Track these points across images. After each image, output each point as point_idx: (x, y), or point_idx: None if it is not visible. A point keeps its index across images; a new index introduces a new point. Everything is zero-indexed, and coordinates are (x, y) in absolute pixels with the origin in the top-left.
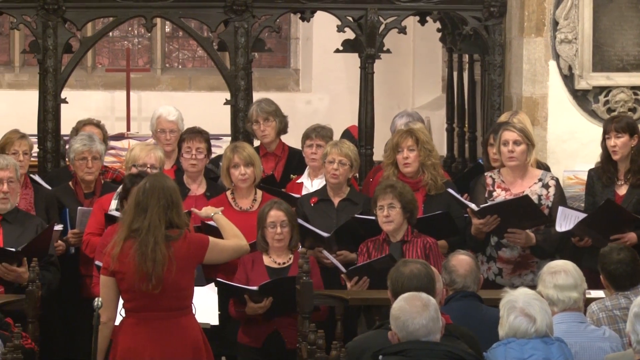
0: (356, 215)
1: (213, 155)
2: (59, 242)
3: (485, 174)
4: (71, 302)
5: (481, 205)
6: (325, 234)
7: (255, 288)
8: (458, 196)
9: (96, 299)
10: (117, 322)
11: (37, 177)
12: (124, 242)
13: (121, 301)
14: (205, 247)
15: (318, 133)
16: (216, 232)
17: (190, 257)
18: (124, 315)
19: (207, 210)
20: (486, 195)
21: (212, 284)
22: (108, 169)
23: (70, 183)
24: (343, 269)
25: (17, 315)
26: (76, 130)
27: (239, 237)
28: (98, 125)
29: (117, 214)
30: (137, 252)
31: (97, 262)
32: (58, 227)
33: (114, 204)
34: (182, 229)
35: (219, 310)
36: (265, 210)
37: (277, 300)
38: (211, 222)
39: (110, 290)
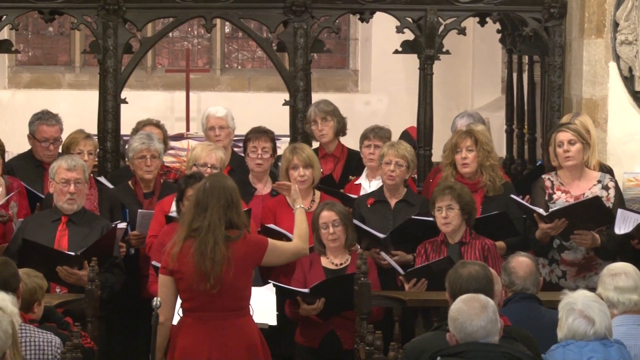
0: (413, 217)
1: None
2: (121, 243)
3: (543, 176)
4: (131, 302)
5: (550, 210)
6: (381, 235)
7: (306, 290)
8: (523, 201)
9: (155, 299)
10: (174, 322)
11: (102, 179)
12: (183, 242)
13: (179, 301)
14: (263, 249)
15: (376, 134)
16: (275, 236)
17: (248, 258)
18: (181, 315)
19: (296, 199)
20: (546, 198)
21: (271, 285)
22: (170, 169)
23: (129, 182)
24: (401, 271)
25: (77, 314)
26: (136, 131)
27: (302, 239)
28: (158, 125)
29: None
30: (196, 252)
31: (153, 262)
32: (122, 225)
33: (174, 205)
34: (241, 230)
35: (277, 311)
36: (317, 212)
37: (331, 301)
38: (271, 225)
39: (168, 290)
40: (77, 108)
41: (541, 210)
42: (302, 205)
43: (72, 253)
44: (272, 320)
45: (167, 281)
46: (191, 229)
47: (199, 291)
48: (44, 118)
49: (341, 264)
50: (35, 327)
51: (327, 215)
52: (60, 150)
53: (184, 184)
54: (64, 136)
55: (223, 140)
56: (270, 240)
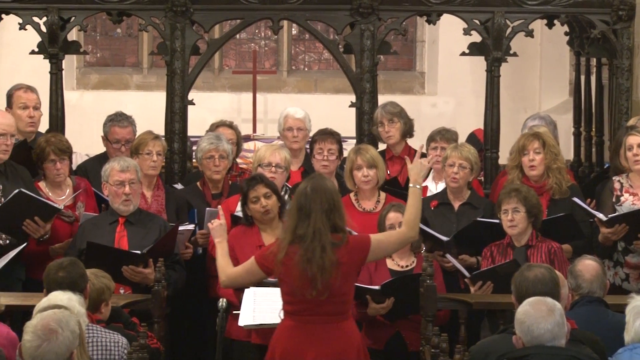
0: (479, 219)
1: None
2: (187, 244)
3: (613, 178)
4: (198, 302)
5: (609, 215)
6: (444, 238)
7: (377, 287)
8: (585, 205)
9: (220, 300)
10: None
11: (178, 186)
12: (288, 247)
13: (281, 302)
14: (367, 249)
15: (443, 136)
16: None
17: (352, 261)
18: (282, 317)
19: (418, 174)
20: (613, 200)
21: None
22: (245, 170)
23: (198, 183)
24: (467, 273)
25: (143, 314)
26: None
27: (410, 225)
28: (231, 126)
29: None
30: (302, 259)
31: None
32: (189, 227)
33: (240, 205)
34: (344, 233)
35: None
36: (384, 213)
37: (399, 301)
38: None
39: (251, 277)
40: (144, 109)
41: (601, 215)
42: (418, 186)
43: (139, 252)
44: None
45: (256, 272)
46: (295, 235)
47: (304, 295)
48: (116, 120)
49: (407, 266)
50: (102, 327)
51: (393, 217)
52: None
53: (247, 187)
54: None
55: (299, 142)
56: (372, 237)
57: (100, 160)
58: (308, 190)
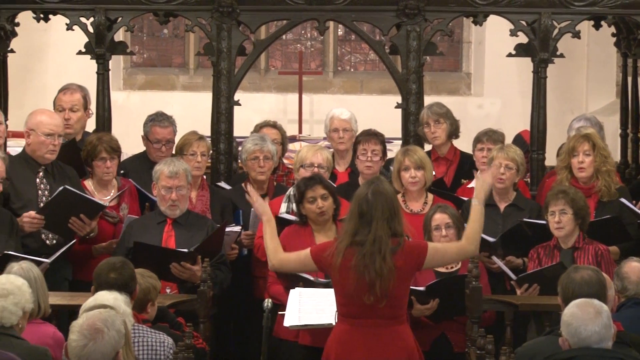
0: (525, 219)
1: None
2: (233, 245)
3: None
4: (243, 303)
5: None
6: (491, 239)
7: (422, 288)
8: (633, 207)
9: (266, 300)
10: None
11: (223, 184)
12: (345, 250)
13: (327, 303)
14: (423, 255)
15: (489, 137)
16: None
17: (408, 266)
18: (337, 320)
19: (481, 192)
20: None
21: None
22: (292, 170)
23: (243, 184)
24: (513, 276)
25: (189, 315)
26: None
27: (470, 239)
28: (275, 126)
29: (288, 216)
30: (359, 264)
31: None
32: (236, 229)
33: (284, 207)
34: (401, 237)
35: None
36: (430, 214)
37: (444, 303)
38: None
39: (302, 267)
40: (190, 110)
41: None
42: (478, 202)
43: (186, 250)
44: None
45: (309, 262)
46: (354, 241)
47: (362, 301)
48: (157, 119)
49: (452, 267)
50: (148, 327)
51: (439, 218)
52: (173, 152)
53: (304, 186)
54: (178, 137)
55: (345, 143)
56: (430, 244)
57: (139, 159)
58: (369, 196)
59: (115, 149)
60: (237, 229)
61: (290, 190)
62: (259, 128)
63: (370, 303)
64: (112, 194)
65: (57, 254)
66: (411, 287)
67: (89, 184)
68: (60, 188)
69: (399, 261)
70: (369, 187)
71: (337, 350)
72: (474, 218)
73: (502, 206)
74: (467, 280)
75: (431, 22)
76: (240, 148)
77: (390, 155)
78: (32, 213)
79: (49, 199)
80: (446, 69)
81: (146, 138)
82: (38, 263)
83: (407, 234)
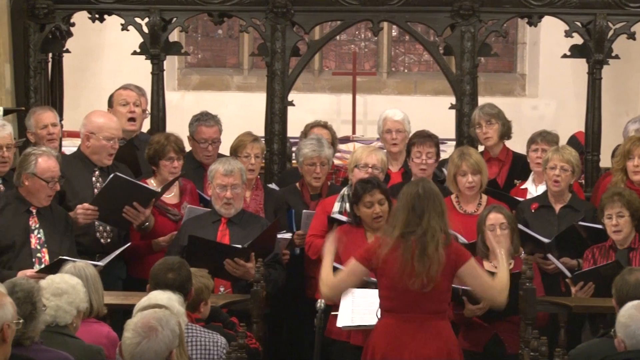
0: (579, 222)
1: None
2: (285, 251)
3: None
4: (296, 303)
5: None
6: (546, 240)
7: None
8: None
9: (318, 301)
10: (349, 323)
11: (273, 185)
12: (394, 242)
13: (375, 302)
14: (464, 260)
15: (544, 138)
16: None
17: (451, 263)
18: (379, 317)
19: (500, 249)
20: None
21: None
22: (340, 168)
23: (297, 184)
24: (568, 274)
25: (242, 314)
26: (305, 134)
27: (503, 288)
28: (326, 126)
29: (340, 216)
30: (406, 251)
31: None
32: (287, 236)
33: (337, 206)
34: (448, 235)
35: None
36: (485, 214)
37: None
38: None
39: (354, 277)
40: (244, 110)
41: None
42: (502, 255)
43: (239, 246)
44: None
45: (359, 270)
46: (403, 233)
47: (404, 290)
48: (202, 119)
49: None
50: (202, 326)
51: (494, 218)
52: (228, 152)
53: (362, 190)
54: (232, 138)
55: (399, 144)
56: (472, 259)
57: (186, 159)
58: (420, 191)
59: (182, 149)
60: (288, 235)
61: (344, 190)
62: (309, 128)
63: (416, 288)
64: (174, 193)
65: (111, 256)
66: (463, 287)
67: (151, 182)
68: (111, 175)
69: (446, 255)
70: (418, 184)
71: (380, 344)
72: (502, 272)
73: (557, 207)
74: (521, 281)
75: (486, 23)
76: (294, 148)
77: (443, 156)
78: (86, 204)
79: (101, 188)
80: (501, 70)
81: (192, 138)
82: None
83: (456, 234)
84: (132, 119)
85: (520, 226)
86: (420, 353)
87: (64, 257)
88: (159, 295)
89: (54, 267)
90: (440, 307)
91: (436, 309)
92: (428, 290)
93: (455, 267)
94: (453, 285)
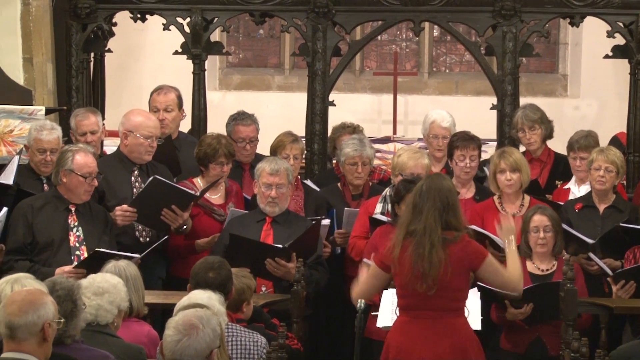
0: (622, 224)
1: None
2: (326, 242)
3: None
4: (336, 303)
5: None
6: (590, 240)
7: (515, 294)
8: None
9: (359, 301)
10: (390, 323)
11: (308, 182)
12: (402, 242)
13: (396, 301)
14: (479, 261)
15: (580, 145)
16: (481, 238)
17: (465, 260)
18: (398, 314)
19: (508, 230)
20: None
21: (476, 289)
22: (374, 170)
23: (338, 184)
24: (610, 272)
25: (282, 314)
26: (334, 139)
27: (519, 281)
28: (354, 129)
29: (382, 217)
30: (413, 253)
31: (365, 260)
32: (325, 222)
33: (379, 207)
34: (459, 232)
35: (482, 315)
36: (529, 215)
37: (539, 307)
38: (475, 227)
39: (376, 281)
40: (285, 110)
41: None
42: (513, 243)
43: (280, 246)
44: (477, 325)
45: (379, 273)
46: (408, 231)
47: (415, 290)
48: (239, 118)
49: (547, 270)
50: (243, 327)
51: (539, 219)
52: (263, 151)
53: (404, 190)
54: (273, 138)
55: (443, 150)
56: (490, 256)
57: None
58: (423, 188)
59: (232, 154)
60: (326, 222)
61: (386, 191)
62: (337, 135)
63: (423, 291)
64: (220, 194)
65: (149, 249)
66: (503, 292)
67: (198, 182)
68: (151, 178)
69: (455, 253)
70: (425, 180)
71: (395, 341)
72: (513, 260)
73: (601, 208)
74: (562, 283)
75: (527, 23)
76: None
77: (485, 156)
78: (125, 206)
79: (140, 190)
80: (542, 70)
81: (230, 137)
82: (129, 259)
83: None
84: (162, 126)
85: (565, 226)
86: (433, 350)
87: (100, 250)
88: (199, 295)
89: (90, 261)
90: (453, 305)
91: (449, 306)
92: (433, 292)
93: (471, 267)
94: (495, 289)
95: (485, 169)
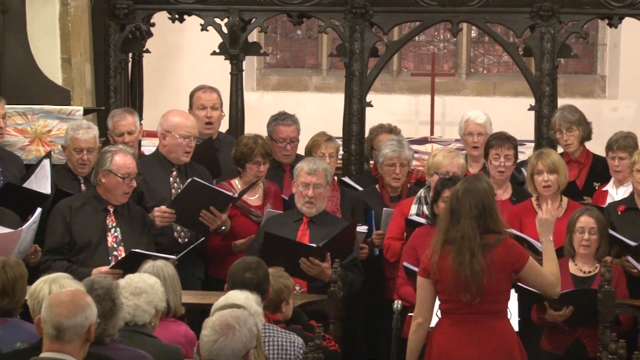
0: None
1: (517, 161)
2: (363, 245)
3: None
4: (374, 303)
5: None
6: (632, 243)
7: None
8: None
9: (395, 302)
10: (432, 324)
11: (347, 179)
12: (441, 249)
13: (437, 302)
14: (524, 260)
15: (619, 145)
16: (519, 242)
17: (507, 263)
18: (439, 316)
19: (547, 230)
20: None
21: (513, 290)
22: (411, 171)
23: (377, 186)
24: None
25: (317, 315)
26: (371, 140)
27: (552, 282)
28: (391, 130)
29: (417, 218)
30: (453, 262)
31: (404, 264)
32: (363, 229)
33: (414, 208)
34: (500, 234)
35: (519, 317)
36: (576, 216)
37: (579, 310)
38: (513, 230)
39: (426, 292)
40: (323, 110)
41: None
42: (550, 241)
43: (314, 245)
44: (515, 326)
45: (425, 283)
46: (446, 238)
47: (459, 298)
48: (280, 119)
49: (589, 272)
50: (281, 328)
51: (585, 221)
52: (303, 153)
53: (441, 186)
54: (308, 137)
55: (479, 148)
56: (531, 259)
57: None
58: (460, 192)
59: (269, 153)
60: (364, 229)
61: (421, 192)
62: (374, 135)
63: (467, 300)
64: (258, 195)
65: (185, 251)
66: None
67: (236, 182)
68: (189, 180)
69: (497, 257)
70: (462, 184)
71: (437, 344)
72: (551, 257)
73: None
74: (600, 284)
75: (565, 24)
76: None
77: (523, 157)
78: (163, 207)
79: (179, 191)
80: (580, 71)
81: (270, 138)
82: (165, 260)
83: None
84: (209, 123)
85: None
86: (475, 354)
87: (136, 250)
88: (236, 295)
89: (126, 262)
90: (495, 308)
91: (492, 309)
92: (478, 301)
93: (514, 269)
94: (537, 292)
95: (523, 170)
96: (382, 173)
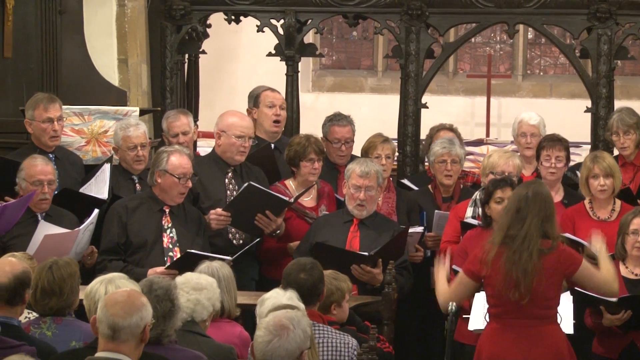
0: None
1: (572, 163)
2: (417, 246)
3: None
4: (425, 305)
5: None
6: None
7: (614, 299)
8: None
9: (450, 303)
10: (481, 327)
11: (405, 181)
12: (498, 246)
13: (486, 306)
14: (576, 264)
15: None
16: (572, 245)
17: (559, 269)
18: (488, 320)
19: (599, 244)
20: None
21: (568, 292)
22: (467, 173)
23: (429, 186)
24: None
25: (369, 317)
26: (430, 137)
27: (609, 283)
28: (451, 129)
29: (473, 221)
30: (508, 260)
31: (453, 267)
32: (418, 229)
33: (469, 211)
34: (554, 241)
35: (574, 320)
36: (629, 218)
37: (637, 314)
38: (568, 234)
39: (465, 290)
40: (378, 112)
41: None
42: (606, 254)
43: (366, 253)
44: (569, 329)
45: (467, 282)
46: (507, 235)
47: (508, 299)
48: (335, 119)
49: None
50: (335, 329)
51: (638, 223)
52: (358, 154)
53: (493, 187)
54: (365, 139)
55: (532, 149)
56: (584, 261)
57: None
58: (529, 194)
59: (322, 151)
60: (420, 229)
61: (477, 195)
62: (435, 131)
63: (515, 300)
64: (312, 195)
65: (241, 252)
66: (601, 297)
67: (290, 183)
68: (246, 184)
69: (550, 263)
70: (529, 186)
71: (488, 348)
72: (606, 262)
73: None
74: None
75: (623, 26)
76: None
77: (579, 159)
78: (219, 210)
79: (235, 195)
80: (637, 73)
81: (325, 138)
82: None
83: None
84: (277, 122)
85: None
86: (524, 359)
87: (192, 251)
88: (279, 295)
89: (182, 262)
90: (545, 313)
91: (541, 314)
92: (525, 301)
93: (566, 274)
94: (592, 295)
95: (578, 172)
96: (434, 172)
